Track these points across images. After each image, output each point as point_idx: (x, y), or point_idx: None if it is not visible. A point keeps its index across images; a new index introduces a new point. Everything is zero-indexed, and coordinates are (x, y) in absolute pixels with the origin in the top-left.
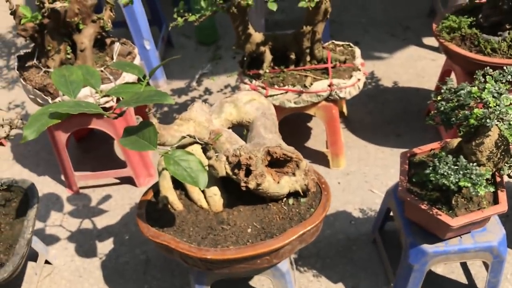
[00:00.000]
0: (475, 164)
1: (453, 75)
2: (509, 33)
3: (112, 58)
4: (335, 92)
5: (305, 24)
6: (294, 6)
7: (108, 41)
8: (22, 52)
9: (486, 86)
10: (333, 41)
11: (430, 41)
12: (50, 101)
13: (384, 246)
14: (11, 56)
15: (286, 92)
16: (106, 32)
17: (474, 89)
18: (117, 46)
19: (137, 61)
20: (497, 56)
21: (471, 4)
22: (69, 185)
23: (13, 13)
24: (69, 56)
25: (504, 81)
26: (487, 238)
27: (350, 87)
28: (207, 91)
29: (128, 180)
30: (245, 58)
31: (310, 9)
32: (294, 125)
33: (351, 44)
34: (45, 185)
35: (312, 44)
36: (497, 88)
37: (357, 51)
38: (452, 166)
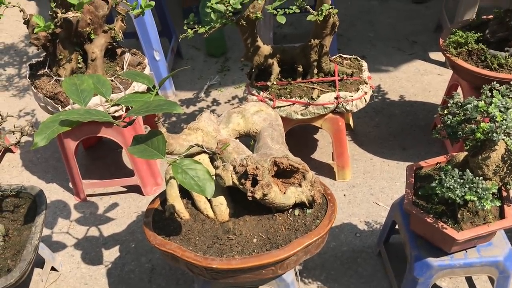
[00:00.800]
0: (481, 178)
1: (459, 90)
2: None
3: (122, 68)
4: (342, 104)
5: (313, 38)
6: (302, 20)
7: (118, 51)
8: (34, 61)
9: (493, 101)
10: (340, 54)
11: (437, 56)
12: (60, 109)
13: (389, 259)
14: (23, 65)
15: (293, 104)
16: (117, 42)
17: (481, 103)
18: (127, 56)
19: (147, 71)
20: (503, 71)
21: (478, 20)
22: (76, 193)
23: (27, 22)
24: (80, 65)
25: (511, 96)
26: (493, 252)
27: (356, 100)
28: (215, 102)
29: (135, 189)
30: (253, 70)
31: (318, 23)
32: (300, 136)
33: (358, 58)
34: (53, 192)
35: (319, 57)
36: (504, 103)
37: (364, 65)
38: (458, 180)
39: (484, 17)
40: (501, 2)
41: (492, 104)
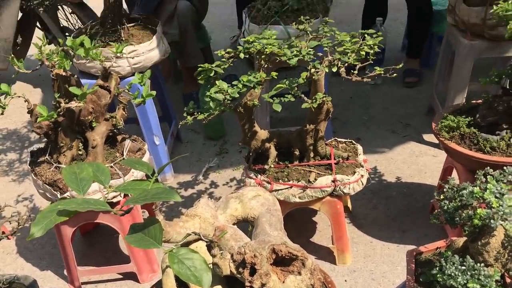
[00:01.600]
0: (482, 264)
1: (454, 172)
2: (506, 133)
3: (122, 154)
4: (339, 188)
5: (308, 123)
6: (297, 104)
7: (119, 137)
8: (35, 148)
9: (488, 187)
10: (336, 138)
11: (430, 137)
12: (59, 196)
13: None
14: (24, 150)
15: (291, 187)
16: (118, 129)
17: (476, 189)
18: (127, 143)
19: (147, 156)
20: (496, 154)
21: (468, 104)
22: (71, 281)
23: (31, 112)
24: (80, 152)
25: (505, 181)
26: None
27: (353, 183)
28: (213, 184)
29: (131, 276)
30: (250, 154)
31: (313, 110)
32: (299, 219)
33: (353, 141)
34: (47, 280)
35: (315, 141)
36: (498, 188)
37: (359, 148)
38: (459, 267)
39: (474, 101)
40: (489, 87)
41: (487, 190)
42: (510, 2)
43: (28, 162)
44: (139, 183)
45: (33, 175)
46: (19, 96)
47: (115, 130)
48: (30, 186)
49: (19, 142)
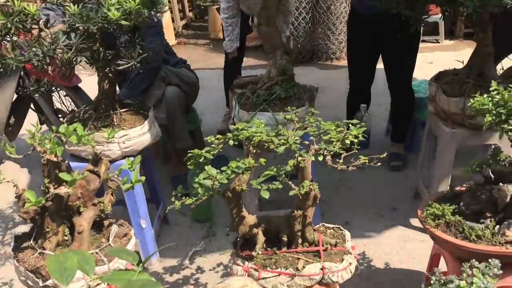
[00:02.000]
0: None
1: (442, 259)
2: (491, 221)
3: (108, 239)
4: (328, 275)
5: (296, 209)
6: (286, 187)
7: (106, 223)
8: (19, 233)
9: (474, 281)
10: (324, 223)
11: (417, 222)
12: (40, 283)
13: None
14: (8, 231)
15: (279, 275)
16: (105, 214)
17: (462, 283)
18: (114, 228)
19: (133, 242)
20: (482, 242)
21: (452, 191)
22: None
23: (18, 196)
24: (66, 238)
25: (491, 274)
26: None
27: (342, 271)
28: (200, 269)
29: None
30: (238, 239)
31: (300, 197)
32: None
33: (341, 227)
34: None
35: (303, 227)
36: (485, 283)
37: (347, 234)
38: None
39: (458, 189)
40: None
41: (474, 285)
42: (485, 96)
43: (11, 247)
44: (123, 273)
45: (15, 261)
46: (8, 181)
47: (102, 215)
48: (11, 270)
49: (3, 223)
